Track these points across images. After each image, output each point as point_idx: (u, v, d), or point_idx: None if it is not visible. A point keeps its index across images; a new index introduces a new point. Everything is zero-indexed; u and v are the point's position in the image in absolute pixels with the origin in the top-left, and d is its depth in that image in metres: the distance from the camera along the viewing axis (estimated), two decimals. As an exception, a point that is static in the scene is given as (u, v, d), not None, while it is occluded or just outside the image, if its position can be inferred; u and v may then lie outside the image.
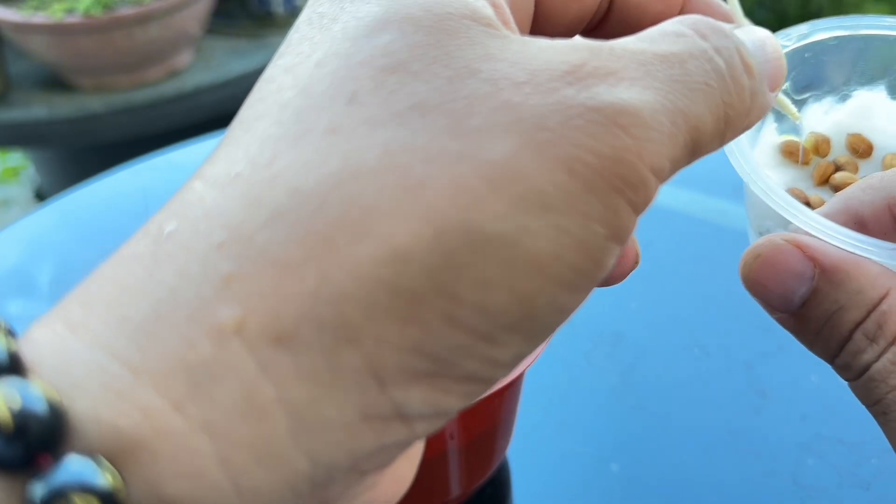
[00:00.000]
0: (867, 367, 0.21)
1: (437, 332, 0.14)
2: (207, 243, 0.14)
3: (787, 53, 0.28)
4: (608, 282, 0.21)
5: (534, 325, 0.15)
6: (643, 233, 0.65)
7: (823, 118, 0.32)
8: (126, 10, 1.03)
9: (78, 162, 1.26)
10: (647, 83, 0.16)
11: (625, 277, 0.22)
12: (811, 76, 0.31)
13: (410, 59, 0.15)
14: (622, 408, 0.45)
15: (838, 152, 0.31)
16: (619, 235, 0.15)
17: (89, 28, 1.03)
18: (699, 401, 0.44)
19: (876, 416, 0.21)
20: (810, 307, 0.21)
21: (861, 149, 0.31)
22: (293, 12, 1.24)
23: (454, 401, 0.15)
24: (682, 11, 0.21)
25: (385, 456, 0.15)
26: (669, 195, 0.66)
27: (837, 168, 0.31)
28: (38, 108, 1.14)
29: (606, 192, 0.15)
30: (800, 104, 0.32)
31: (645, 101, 0.15)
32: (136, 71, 1.13)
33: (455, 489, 0.37)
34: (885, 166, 0.30)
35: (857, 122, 0.31)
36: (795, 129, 0.32)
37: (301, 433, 0.13)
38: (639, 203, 0.15)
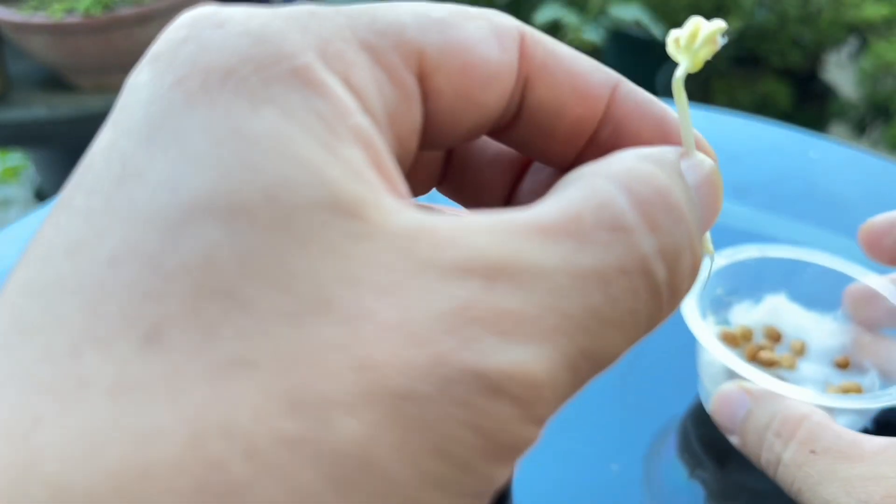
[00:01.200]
0: (779, 460, 0.29)
1: None
2: None
3: (720, 268, 0.42)
4: None
5: None
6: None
7: (746, 315, 0.44)
8: (126, 10, 1.03)
9: (78, 162, 1.26)
10: (551, 335, 0.12)
11: None
12: (736, 284, 0.44)
13: (239, 278, 0.11)
14: (622, 408, 0.45)
15: (759, 338, 0.44)
16: (491, 492, 0.13)
17: (89, 28, 1.03)
18: (700, 400, 0.44)
19: (795, 497, 0.28)
20: (746, 425, 0.31)
21: (774, 336, 0.43)
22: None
23: None
24: (606, 115, 0.18)
25: None
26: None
27: (760, 349, 0.43)
28: (38, 108, 1.14)
29: (485, 468, 0.12)
30: (728, 304, 0.44)
31: (543, 359, 0.12)
32: (136, 71, 1.12)
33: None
34: (794, 349, 0.43)
35: (769, 318, 0.44)
36: (727, 322, 0.44)
37: None
38: (522, 455, 0.13)
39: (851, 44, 1.63)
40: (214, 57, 0.13)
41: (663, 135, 0.18)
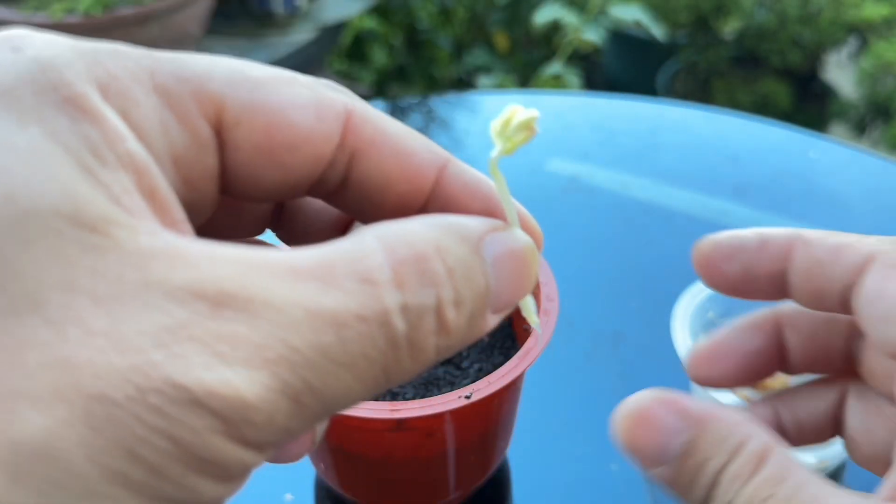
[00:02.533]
0: None
1: None
2: None
3: (711, 293, 0.40)
4: (282, 460, 0.20)
5: None
6: (644, 232, 0.65)
7: None
8: (126, 10, 1.03)
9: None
10: (271, 364, 0.13)
11: (301, 457, 0.21)
12: (727, 307, 0.43)
13: None
14: (622, 408, 0.45)
15: None
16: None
17: (89, 28, 1.03)
18: (699, 401, 0.44)
19: None
20: (686, 460, 0.22)
21: None
22: (293, 12, 1.24)
23: None
24: (434, 192, 0.19)
25: None
26: (669, 196, 0.66)
27: None
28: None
29: (184, 477, 0.12)
30: (720, 326, 0.44)
31: (256, 384, 0.13)
32: (136, 71, 1.12)
33: (455, 489, 0.37)
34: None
35: None
36: None
37: None
38: (234, 474, 0.13)
39: (851, 44, 1.63)
40: (1, 76, 0.14)
41: (490, 212, 0.19)
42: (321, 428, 0.20)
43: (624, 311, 0.53)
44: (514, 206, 0.19)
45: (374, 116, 0.18)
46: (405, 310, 0.15)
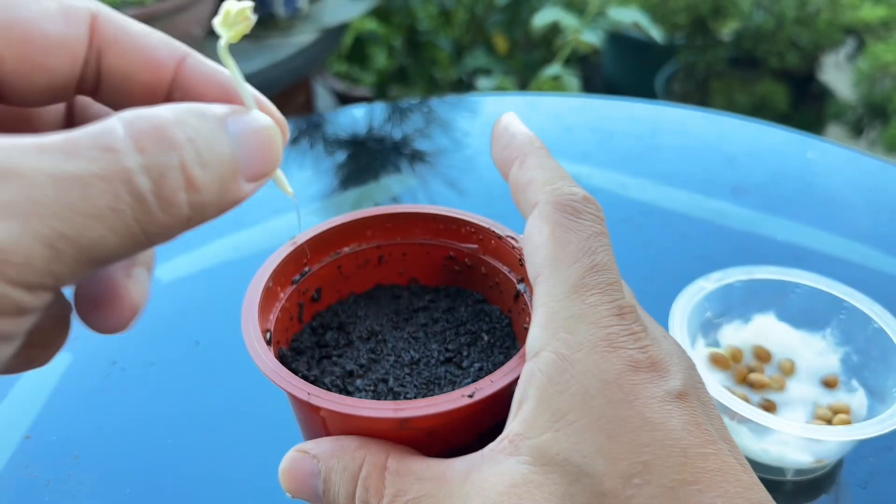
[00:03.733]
0: None
1: None
2: None
3: (709, 292, 0.43)
4: (108, 330, 0.23)
5: None
6: (642, 233, 0.66)
7: (735, 335, 0.45)
8: (128, 12, 1.03)
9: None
10: (20, 216, 0.16)
11: (126, 327, 0.23)
12: (725, 307, 0.45)
13: None
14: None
15: (748, 358, 0.45)
16: None
17: (91, 30, 1.03)
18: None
19: None
20: (326, 494, 0.25)
21: (763, 356, 0.44)
22: (294, 14, 1.24)
23: None
24: (175, 82, 0.22)
25: None
26: (668, 196, 0.67)
27: (751, 371, 0.43)
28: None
29: None
30: (718, 326, 0.45)
31: (7, 232, 0.16)
32: (137, 72, 1.13)
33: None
34: (783, 369, 0.44)
35: (757, 337, 0.45)
36: (717, 344, 0.45)
37: None
38: (8, 310, 0.16)
39: (849, 45, 1.64)
40: None
41: (228, 98, 0.22)
42: (141, 292, 0.23)
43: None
44: (250, 92, 0.22)
45: (116, 17, 0.21)
46: (147, 169, 0.17)
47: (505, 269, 0.35)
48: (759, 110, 1.57)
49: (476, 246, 0.37)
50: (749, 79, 1.64)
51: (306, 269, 0.35)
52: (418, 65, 1.58)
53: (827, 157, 0.74)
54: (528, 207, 0.26)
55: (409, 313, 0.37)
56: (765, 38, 1.54)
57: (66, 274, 0.17)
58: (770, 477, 0.41)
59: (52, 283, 0.17)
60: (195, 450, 0.44)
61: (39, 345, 0.22)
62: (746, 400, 0.41)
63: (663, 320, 0.42)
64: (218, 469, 0.43)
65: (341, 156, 0.74)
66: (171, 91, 0.22)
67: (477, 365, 0.33)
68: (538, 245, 0.25)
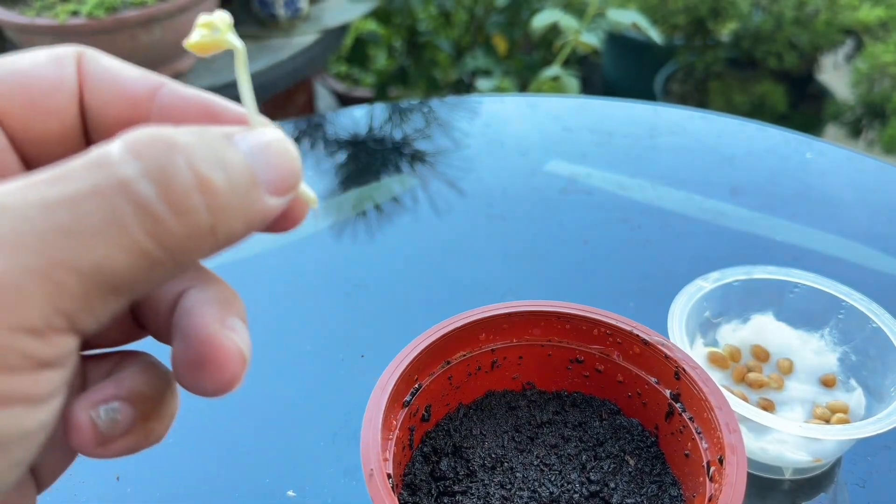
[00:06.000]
0: None
1: None
2: None
3: (707, 292, 0.43)
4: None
5: None
6: (641, 233, 0.66)
7: (733, 334, 0.45)
8: (130, 13, 1.03)
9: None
10: (5, 249, 0.14)
11: (237, 383, 0.21)
12: (723, 306, 0.45)
13: None
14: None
15: (747, 357, 0.45)
16: None
17: (93, 30, 1.03)
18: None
19: None
20: None
21: (762, 355, 0.44)
22: (296, 15, 1.25)
23: None
24: (154, 112, 0.21)
25: None
26: (666, 197, 0.67)
27: (749, 370, 0.43)
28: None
29: None
30: (716, 325, 0.46)
31: None
32: (138, 73, 1.13)
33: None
34: (781, 368, 0.44)
35: (756, 336, 0.45)
36: (716, 343, 0.45)
37: None
38: (18, 366, 0.14)
39: (847, 46, 1.64)
40: None
41: (211, 118, 0.21)
42: (244, 341, 0.20)
43: (621, 311, 0.53)
44: (254, 108, 0.20)
45: (99, 56, 0.21)
46: (148, 173, 0.15)
47: (652, 379, 0.32)
48: (758, 111, 1.58)
49: (614, 351, 0.33)
50: (747, 79, 1.65)
51: (417, 384, 0.31)
52: (418, 66, 1.58)
53: (825, 157, 0.74)
54: None
55: (532, 430, 0.33)
56: (763, 38, 1.55)
57: (80, 309, 0.15)
58: (768, 476, 0.41)
59: (66, 325, 0.15)
60: (195, 450, 0.44)
61: (154, 418, 0.21)
62: (745, 399, 0.41)
63: (662, 320, 0.43)
64: (218, 469, 0.43)
65: (342, 156, 0.75)
66: (150, 121, 0.21)
67: (629, 501, 0.30)
68: None
